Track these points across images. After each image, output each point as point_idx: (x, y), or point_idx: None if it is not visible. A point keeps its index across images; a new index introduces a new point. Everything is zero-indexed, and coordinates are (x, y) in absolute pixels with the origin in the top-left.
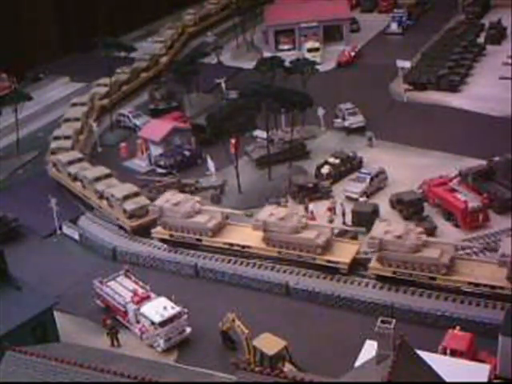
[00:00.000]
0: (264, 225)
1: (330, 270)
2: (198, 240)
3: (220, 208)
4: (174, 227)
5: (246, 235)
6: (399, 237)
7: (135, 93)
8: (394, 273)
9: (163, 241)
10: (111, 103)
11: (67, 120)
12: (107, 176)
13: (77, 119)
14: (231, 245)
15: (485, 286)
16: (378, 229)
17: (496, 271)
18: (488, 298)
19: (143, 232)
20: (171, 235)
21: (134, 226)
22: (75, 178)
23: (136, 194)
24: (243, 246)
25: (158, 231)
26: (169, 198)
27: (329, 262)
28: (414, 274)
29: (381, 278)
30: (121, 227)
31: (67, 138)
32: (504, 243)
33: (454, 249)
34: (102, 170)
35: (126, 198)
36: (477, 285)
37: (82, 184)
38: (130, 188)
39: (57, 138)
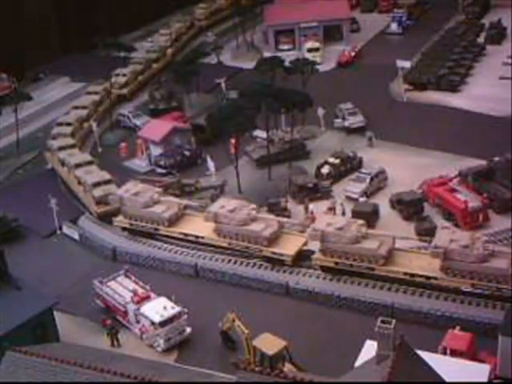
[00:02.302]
0: (215, 216)
1: (277, 262)
2: (155, 229)
3: (178, 199)
4: (133, 216)
5: (201, 226)
6: (340, 229)
7: (149, 82)
8: (336, 263)
9: (124, 229)
10: (130, 92)
11: (76, 107)
12: (88, 163)
13: (84, 107)
14: (186, 235)
15: (420, 276)
16: (321, 221)
17: (432, 262)
18: (424, 288)
19: (109, 219)
20: (131, 224)
21: (101, 212)
22: (63, 164)
23: (107, 182)
24: (196, 236)
25: (119, 220)
26: (129, 188)
27: (274, 253)
28: (355, 264)
29: (324, 269)
30: (90, 213)
31: (69, 124)
32: (437, 235)
33: (392, 240)
34: (84, 156)
35: (97, 184)
36: (412, 275)
37: (67, 169)
38: (102, 175)
39: (59, 124)
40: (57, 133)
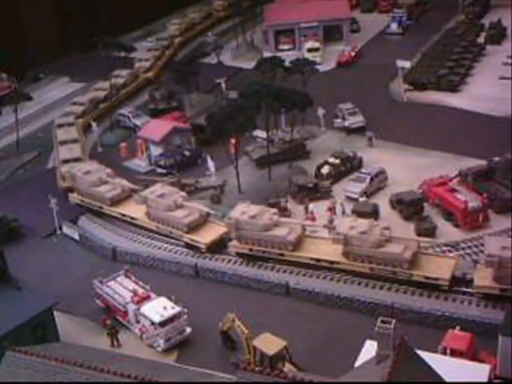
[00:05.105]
0: (145, 201)
1: (195, 248)
2: (99, 208)
3: (123, 181)
4: (83, 194)
5: (137, 208)
6: (253, 217)
7: (168, 64)
8: (251, 250)
9: (78, 205)
10: (155, 75)
11: (97, 89)
12: (73, 141)
13: (104, 89)
14: (123, 215)
15: (324, 261)
16: (237, 210)
17: (337, 248)
18: (328, 271)
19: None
20: (82, 201)
21: (64, 186)
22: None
23: (76, 160)
24: (132, 218)
25: (74, 196)
26: (83, 167)
27: (192, 240)
28: (266, 250)
29: (240, 255)
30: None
31: (81, 104)
32: (340, 222)
33: (301, 228)
34: (73, 134)
35: (65, 161)
36: (318, 260)
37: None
38: (74, 153)
39: (74, 104)
40: (69, 111)
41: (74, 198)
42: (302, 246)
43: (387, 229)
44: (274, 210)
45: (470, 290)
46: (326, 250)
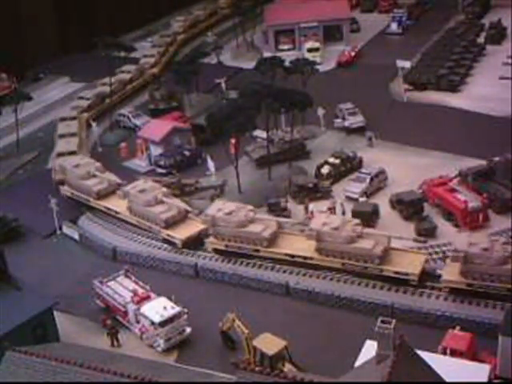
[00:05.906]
0: (127, 195)
1: (172, 244)
2: (87, 200)
3: (111, 175)
4: (73, 187)
5: (122, 203)
6: (229, 214)
7: (173, 59)
8: (227, 246)
9: (68, 198)
10: (160, 71)
11: (104, 84)
12: (72, 135)
13: (110, 85)
14: (108, 209)
15: (298, 256)
16: (213, 207)
17: (311, 244)
18: (301, 267)
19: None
20: (72, 193)
21: (58, 180)
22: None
23: (71, 153)
24: (116, 212)
25: (65, 189)
26: (73, 160)
27: (168, 235)
28: (242, 246)
29: (217, 251)
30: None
31: (87, 99)
32: (313, 219)
33: (276, 224)
34: (73, 128)
35: (60, 154)
36: (292, 256)
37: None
38: (70, 146)
39: (80, 98)
40: (75, 105)
41: (64, 190)
42: (278, 242)
43: (359, 225)
44: (251, 207)
45: (437, 284)
46: (300, 245)
